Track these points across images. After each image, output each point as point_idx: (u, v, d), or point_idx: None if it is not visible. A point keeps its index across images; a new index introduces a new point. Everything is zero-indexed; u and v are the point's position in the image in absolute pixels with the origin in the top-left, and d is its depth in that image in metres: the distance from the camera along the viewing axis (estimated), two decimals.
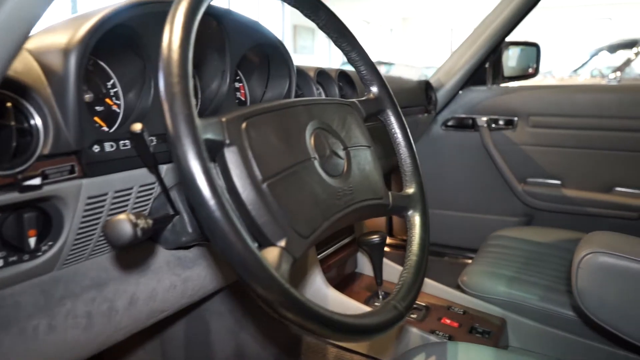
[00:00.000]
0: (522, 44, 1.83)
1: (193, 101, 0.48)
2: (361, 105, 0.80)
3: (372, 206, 0.74)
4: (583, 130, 1.62)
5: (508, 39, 1.71)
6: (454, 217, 1.87)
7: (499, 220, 1.80)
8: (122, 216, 0.52)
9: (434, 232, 1.93)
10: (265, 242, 0.55)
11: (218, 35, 0.82)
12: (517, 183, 1.72)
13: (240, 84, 0.97)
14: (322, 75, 1.16)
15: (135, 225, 0.52)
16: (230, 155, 0.54)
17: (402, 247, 2.00)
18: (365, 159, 0.75)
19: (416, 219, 0.79)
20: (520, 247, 1.44)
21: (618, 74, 5.56)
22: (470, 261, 1.87)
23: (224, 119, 0.55)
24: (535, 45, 1.85)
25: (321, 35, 16.66)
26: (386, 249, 2.08)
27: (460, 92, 1.79)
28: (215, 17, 0.78)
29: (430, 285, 1.28)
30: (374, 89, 0.84)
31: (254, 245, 0.47)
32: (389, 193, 0.78)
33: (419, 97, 1.67)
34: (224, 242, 0.45)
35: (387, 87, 0.85)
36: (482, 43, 1.69)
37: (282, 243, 0.55)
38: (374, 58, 0.85)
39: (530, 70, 1.86)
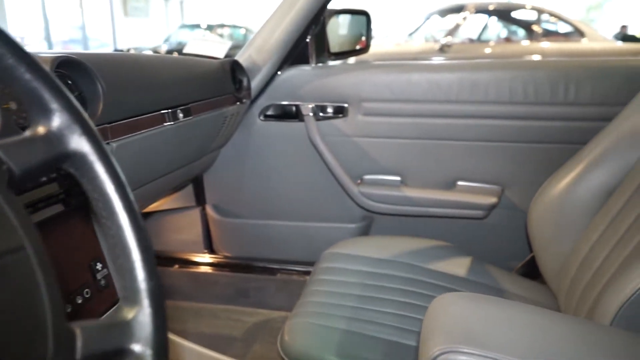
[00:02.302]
0: (348, 12, 1.51)
1: None
2: (7, 155, 0.38)
3: None
4: (422, 117, 1.36)
5: (332, 5, 1.38)
6: (284, 227, 1.54)
7: (335, 228, 1.50)
8: None
9: (260, 245, 1.58)
10: None
11: None
12: (351, 183, 1.43)
13: None
14: (72, 66, 0.70)
15: None
16: None
17: (226, 266, 1.62)
18: None
19: None
20: (357, 269, 1.14)
21: (449, 38, 5.72)
22: (306, 277, 1.57)
23: None
24: (364, 14, 1.54)
25: None
26: (207, 268, 1.70)
27: (279, 72, 1.42)
28: None
29: None
30: (49, 118, 0.42)
31: None
32: (77, 330, 0.38)
33: (225, 83, 1.27)
34: None
35: (78, 110, 0.43)
36: (301, 11, 1.33)
37: None
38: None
39: (361, 44, 1.56)
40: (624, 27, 10.03)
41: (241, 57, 1.40)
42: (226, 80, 1.28)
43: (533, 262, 1.23)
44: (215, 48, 1.35)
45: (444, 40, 5.67)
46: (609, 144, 1.00)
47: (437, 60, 5.56)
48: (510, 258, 1.41)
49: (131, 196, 0.45)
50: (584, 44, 5.63)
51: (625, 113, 1.01)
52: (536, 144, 1.30)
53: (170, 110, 1.01)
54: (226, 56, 1.38)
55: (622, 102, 1.20)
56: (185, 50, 1.33)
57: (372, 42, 1.64)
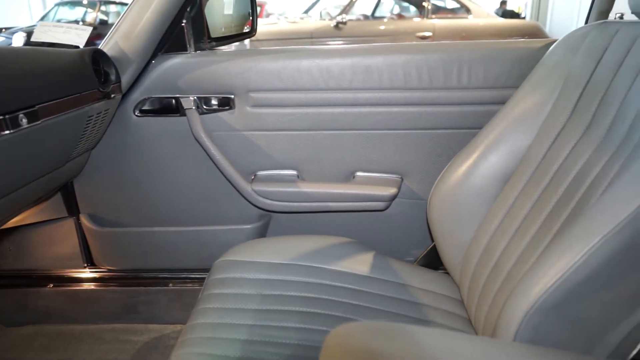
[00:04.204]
0: None
1: None
2: None
3: None
4: (314, 107, 1.27)
5: None
6: (172, 234, 1.39)
7: (229, 230, 1.38)
8: None
9: (147, 255, 1.42)
10: None
11: None
12: (243, 181, 1.31)
13: None
14: None
15: None
16: None
17: (110, 280, 1.45)
18: None
19: None
20: (253, 277, 1.04)
21: (344, 15, 5.71)
22: (201, 286, 1.44)
23: None
24: None
25: None
26: (88, 285, 1.51)
27: (153, 61, 1.26)
28: None
29: None
30: None
31: None
32: None
33: (85, 77, 1.09)
34: None
35: None
36: None
37: None
38: None
39: (246, 28, 1.43)
40: (503, 2, 10.66)
41: (106, 46, 1.21)
42: (87, 73, 1.09)
43: (434, 251, 1.20)
44: (73, 35, 1.15)
45: (339, 18, 5.65)
46: (501, 130, 0.98)
47: (332, 40, 5.54)
48: (413, 248, 1.38)
49: None
50: (470, 20, 5.88)
51: (516, 98, 0.99)
52: (433, 130, 1.26)
53: (8, 116, 0.83)
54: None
55: (513, 85, 1.19)
56: (33, 39, 1.12)
57: (267, 21, 1.52)
